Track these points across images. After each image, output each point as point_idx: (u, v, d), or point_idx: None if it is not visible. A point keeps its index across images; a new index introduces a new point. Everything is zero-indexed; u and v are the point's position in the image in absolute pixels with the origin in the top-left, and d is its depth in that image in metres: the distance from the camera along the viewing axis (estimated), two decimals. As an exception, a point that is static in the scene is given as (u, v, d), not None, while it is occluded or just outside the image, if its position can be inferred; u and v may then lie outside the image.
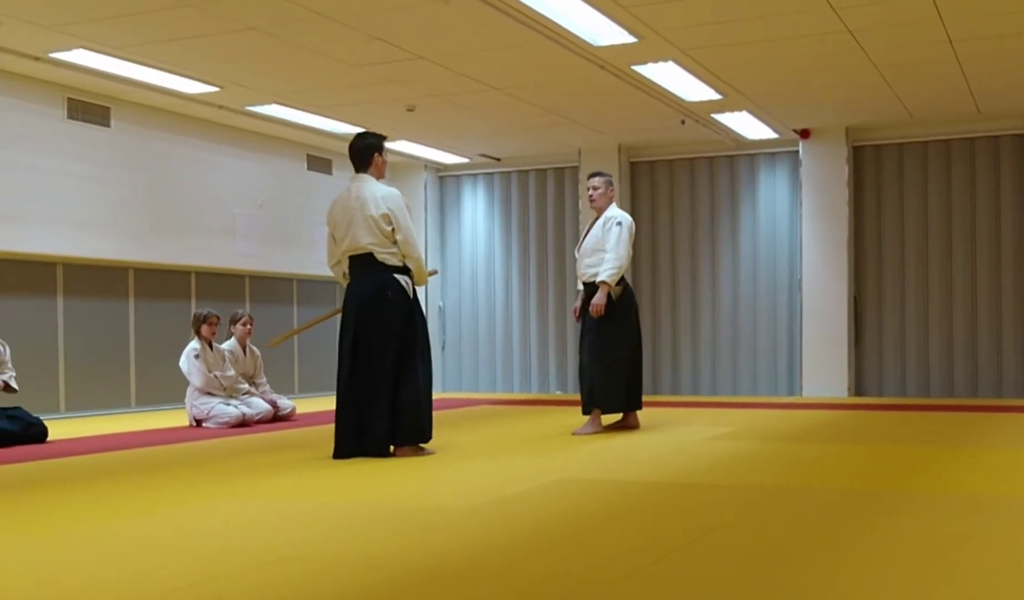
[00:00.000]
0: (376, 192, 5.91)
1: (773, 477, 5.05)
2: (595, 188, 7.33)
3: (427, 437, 5.94)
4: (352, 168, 6.12)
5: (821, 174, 11.24)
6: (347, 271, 6.03)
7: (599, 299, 7.13)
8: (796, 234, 11.55)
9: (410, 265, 5.94)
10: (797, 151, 11.46)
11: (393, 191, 6.00)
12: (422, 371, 5.93)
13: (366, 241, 5.86)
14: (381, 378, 5.80)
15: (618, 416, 7.41)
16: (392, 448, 5.82)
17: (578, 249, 7.49)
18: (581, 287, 7.45)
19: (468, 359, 13.10)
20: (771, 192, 11.78)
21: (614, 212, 7.36)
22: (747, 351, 11.82)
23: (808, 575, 2.95)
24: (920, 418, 8.36)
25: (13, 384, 7.20)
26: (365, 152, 6.05)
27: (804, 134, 11.25)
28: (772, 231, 11.75)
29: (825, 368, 11.17)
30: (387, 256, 5.88)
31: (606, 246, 7.22)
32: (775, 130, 11.11)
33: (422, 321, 6.03)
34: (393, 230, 5.86)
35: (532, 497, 4.40)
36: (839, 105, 10.14)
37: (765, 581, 2.90)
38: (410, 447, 5.87)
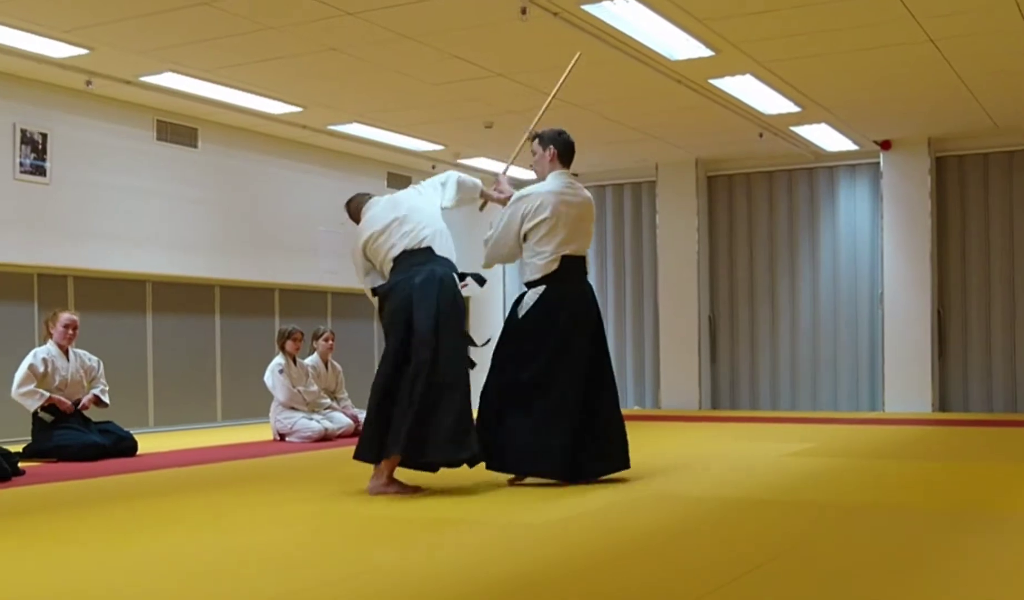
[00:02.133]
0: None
1: (853, 495, 5.00)
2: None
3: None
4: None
5: (903, 186, 11.07)
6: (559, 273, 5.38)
7: None
8: (877, 247, 11.38)
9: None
10: (878, 163, 11.30)
11: None
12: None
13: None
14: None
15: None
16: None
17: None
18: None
19: (546, 373, 13.10)
20: (851, 205, 11.63)
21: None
22: (827, 366, 11.67)
23: (889, 595, 2.93)
24: (1007, 434, 8.18)
25: (105, 398, 7.42)
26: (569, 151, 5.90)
27: (885, 145, 11.09)
28: (852, 244, 11.60)
29: (908, 383, 10.98)
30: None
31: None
32: (855, 142, 10.98)
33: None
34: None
35: (609, 513, 4.42)
36: (921, 115, 9.99)
37: (844, 599, 2.89)
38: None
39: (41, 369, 7.10)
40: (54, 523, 4.45)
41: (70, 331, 7.24)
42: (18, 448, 6.92)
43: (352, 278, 11.14)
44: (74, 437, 7.03)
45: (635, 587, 3.08)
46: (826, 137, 10.69)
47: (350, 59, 7.84)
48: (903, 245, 11.06)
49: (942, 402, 11.04)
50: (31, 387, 7.04)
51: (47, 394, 7.06)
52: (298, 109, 9.38)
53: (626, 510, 4.46)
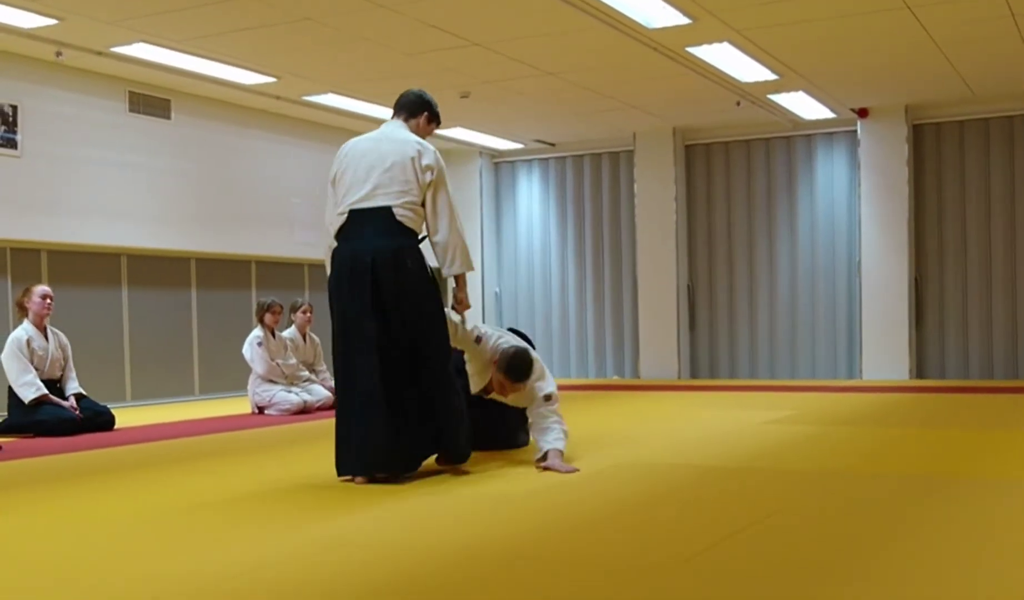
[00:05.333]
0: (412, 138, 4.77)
1: (831, 461, 5.03)
2: None
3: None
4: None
5: (880, 154, 11.10)
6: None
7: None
8: (855, 215, 11.41)
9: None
10: (855, 131, 11.31)
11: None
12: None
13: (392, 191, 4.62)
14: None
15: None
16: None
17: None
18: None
19: (525, 344, 13.12)
20: (829, 173, 11.65)
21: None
22: (805, 334, 11.73)
23: (865, 559, 2.95)
24: (983, 401, 8.25)
25: (81, 391, 7.34)
26: (416, 105, 4.90)
27: (862, 113, 11.10)
28: (830, 212, 11.63)
29: (886, 350, 11.05)
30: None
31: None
32: (833, 110, 10.98)
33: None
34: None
35: (590, 482, 4.43)
36: (898, 83, 10.00)
37: (822, 565, 2.90)
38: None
39: (26, 352, 7.04)
40: (33, 497, 4.42)
41: (47, 301, 7.17)
42: (-6, 424, 6.89)
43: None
44: (51, 412, 6.99)
45: (612, 554, 3.09)
46: (803, 105, 10.69)
47: (324, 29, 7.76)
48: (880, 213, 11.09)
49: (919, 369, 11.12)
50: (32, 377, 6.98)
51: (44, 390, 7.01)
52: (272, 79, 9.29)
53: (605, 478, 4.47)
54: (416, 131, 4.84)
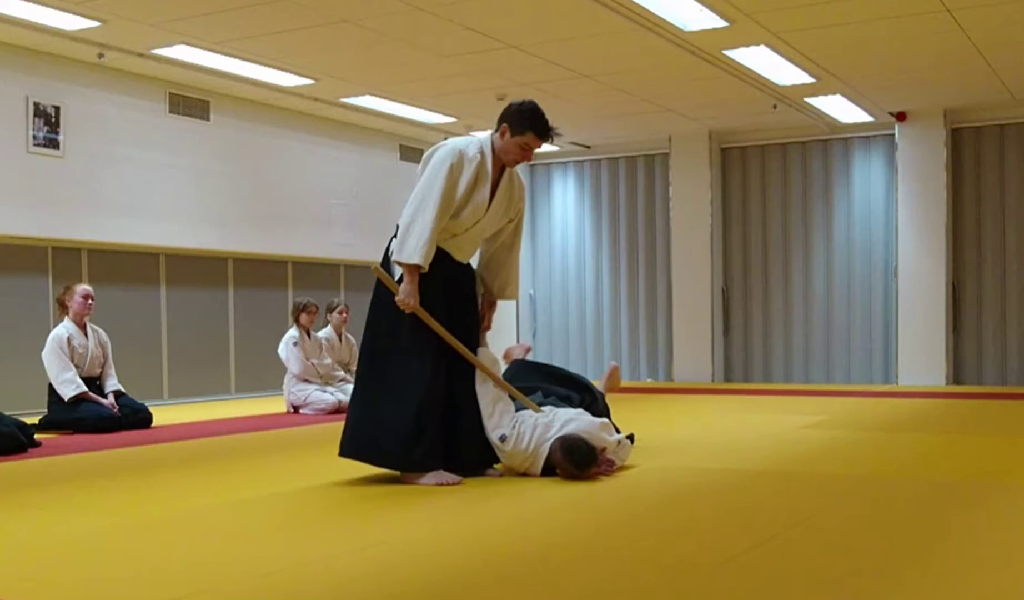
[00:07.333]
0: None
1: (866, 466, 5.01)
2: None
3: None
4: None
5: (918, 158, 11.01)
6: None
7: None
8: (892, 220, 11.33)
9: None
10: (893, 134, 11.24)
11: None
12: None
13: None
14: None
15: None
16: None
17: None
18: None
19: (559, 347, 13.14)
20: (866, 177, 11.58)
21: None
22: (841, 338, 11.65)
23: (903, 565, 2.94)
24: (1021, 407, 8.17)
25: (120, 388, 7.42)
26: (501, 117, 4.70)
27: (900, 117, 11.02)
28: (867, 217, 11.56)
29: (922, 356, 10.96)
30: None
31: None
32: (870, 113, 10.91)
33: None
34: None
35: (625, 483, 4.43)
36: (937, 86, 9.92)
37: (861, 570, 2.90)
38: None
39: (67, 349, 7.13)
40: (73, 493, 4.48)
41: (88, 301, 7.26)
42: (34, 420, 6.98)
43: (365, 251, 11.16)
44: (90, 409, 7.07)
45: (649, 555, 3.09)
46: (841, 109, 10.63)
47: (362, 31, 7.81)
48: (918, 217, 11.01)
49: (956, 375, 11.02)
50: (71, 375, 7.07)
51: (84, 387, 7.09)
52: (310, 81, 9.36)
53: (639, 482, 4.47)
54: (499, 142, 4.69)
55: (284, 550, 3.23)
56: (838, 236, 11.68)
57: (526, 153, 4.72)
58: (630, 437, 4.97)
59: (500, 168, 4.75)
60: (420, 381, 4.46)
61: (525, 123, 4.64)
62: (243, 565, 3.03)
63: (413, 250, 4.41)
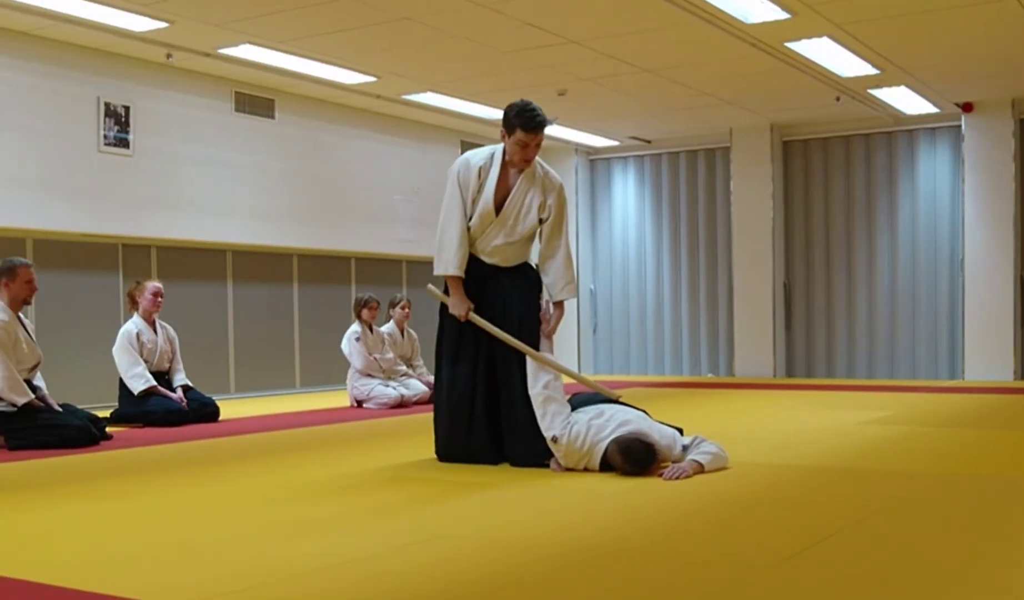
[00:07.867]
0: None
1: (930, 464, 4.96)
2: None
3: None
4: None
5: (985, 149, 10.83)
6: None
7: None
8: (958, 212, 11.16)
9: None
10: (959, 126, 11.07)
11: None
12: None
13: None
14: None
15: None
16: None
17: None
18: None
19: (619, 342, 13.13)
20: (931, 169, 11.41)
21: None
22: (906, 333, 11.51)
23: (966, 563, 2.92)
24: (1092, 403, 8.01)
25: (188, 383, 7.57)
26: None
27: (967, 108, 10.85)
28: (932, 210, 11.40)
29: (989, 350, 10.79)
30: None
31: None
32: (935, 104, 10.75)
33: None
34: None
35: (687, 480, 4.43)
36: (1004, 76, 9.75)
37: (924, 568, 2.88)
38: None
39: (136, 345, 7.29)
40: (144, 485, 4.60)
41: (158, 299, 7.42)
42: (106, 413, 7.15)
43: (426, 247, 11.22)
44: (159, 403, 7.23)
45: (710, 552, 3.11)
46: (906, 100, 10.49)
47: (423, 28, 7.88)
48: (985, 210, 10.83)
49: (1024, 370, 10.85)
50: (141, 369, 7.23)
51: (153, 381, 7.25)
52: (372, 79, 9.46)
53: (699, 478, 4.48)
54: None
55: (352, 541, 3.29)
56: (902, 229, 11.53)
57: (525, 151, 4.84)
58: (679, 430, 4.92)
59: (515, 172, 4.93)
60: (443, 385, 4.96)
61: (513, 122, 4.81)
62: (300, 560, 3.09)
63: (447, 262, 4.87)
